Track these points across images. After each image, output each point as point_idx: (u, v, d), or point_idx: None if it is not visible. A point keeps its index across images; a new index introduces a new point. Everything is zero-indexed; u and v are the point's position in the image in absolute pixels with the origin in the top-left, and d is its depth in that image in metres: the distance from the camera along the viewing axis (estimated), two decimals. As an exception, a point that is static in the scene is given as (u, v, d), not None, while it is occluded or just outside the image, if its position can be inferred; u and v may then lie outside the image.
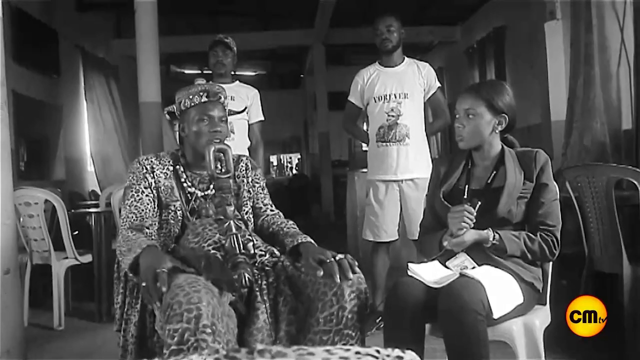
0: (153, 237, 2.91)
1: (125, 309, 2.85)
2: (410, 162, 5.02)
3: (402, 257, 5.91)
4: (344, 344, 2.53)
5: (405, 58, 5.25)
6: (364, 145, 5.79)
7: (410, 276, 2.82)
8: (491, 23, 11.42)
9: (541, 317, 2.92)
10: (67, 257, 5.74)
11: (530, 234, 2.91)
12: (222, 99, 3.09)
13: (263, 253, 2.87)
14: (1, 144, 3.99)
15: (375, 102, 5.13)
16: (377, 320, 4.35)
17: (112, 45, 13.29)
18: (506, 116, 3.04)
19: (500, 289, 2.70)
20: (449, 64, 14.47)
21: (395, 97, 5.07)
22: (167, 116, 3.26)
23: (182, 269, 2.57)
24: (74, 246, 5.76)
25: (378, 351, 1.32)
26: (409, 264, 2.89)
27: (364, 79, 5.24)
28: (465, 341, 2.53)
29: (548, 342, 2.89)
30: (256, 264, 2.80)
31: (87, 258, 5.90)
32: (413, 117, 5.08)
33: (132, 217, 2.93)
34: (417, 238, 3.80)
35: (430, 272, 2.85)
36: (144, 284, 2.53)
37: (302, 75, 21.03)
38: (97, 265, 5.90)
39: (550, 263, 3.05)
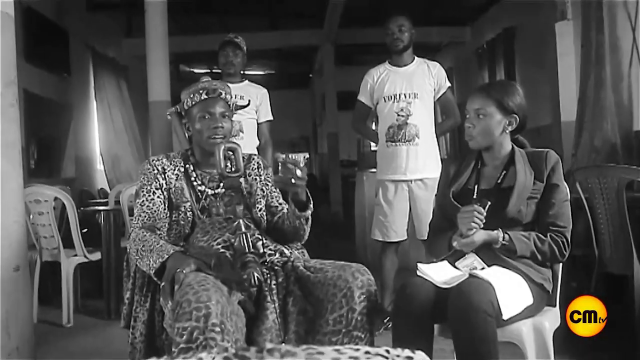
0: (163, 238, 2.90)
1: (134, 307, 2.85)
2: (420, 162, 5.01)
3: (410, 257, 5.87)
4: None
5: (415, 58, 5.22)
6: (373, 145, 5.78)
7: (420, 276, 2.81)
8: (501, 23, 11.43)
9: (551, 318, 2.91)
10: (76, 255, 5.73)
11: (541, 235, 2.88)
12: (224, 94, 3.09)
13: (273, 252, 2.86)
14: (12, 142, 3.97)
15: (385, 101, 5.11)
16: (386, 320, 4.35)
17: (122, 45, 13.32)
18: (517, 116, 3.02)
19: (510, 290, 2.68)
20: (459, 64, 14.46)
21: (405, 97, 5.05)
22: (169, 117, 3.25)
23: (205, 271, 2.58)
24: (83, 244, 5.74)
25: (388, 351, 1.32)
26: (418, 264, 2.88)
27: (373, 78, 5.21)
28: (475, 342, 2.51)
29: (557, 344, 2.87)
30: (265, 264, 2.78)
31: (96, 256, 5.88)
32: (423, 117, 5.06)
33: (145, 216, 2.94)
34: (426, 238, 3.78)
35: (439, 273, 2.83)
36: (162, 284, 2.61)
37: (310, 75, 21.02)
38: (106, 262, 5.88)
39: (560, 264, 3.03)
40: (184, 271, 2.53)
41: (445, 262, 2.96)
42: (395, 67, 5.18)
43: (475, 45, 13.02)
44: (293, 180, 2.68)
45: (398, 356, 1.31)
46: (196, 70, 18.63)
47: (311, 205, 2.90)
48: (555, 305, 3.01)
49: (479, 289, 2.59)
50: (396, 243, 5.10)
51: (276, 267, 2.81)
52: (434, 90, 5.14)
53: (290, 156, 2.74)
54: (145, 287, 2.85)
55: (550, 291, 2.96)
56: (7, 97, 3.94)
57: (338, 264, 2.74)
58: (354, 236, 8.38)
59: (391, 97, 5.10)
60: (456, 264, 2.93)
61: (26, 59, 8.68)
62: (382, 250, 5.16)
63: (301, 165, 2.71)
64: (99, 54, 11.97)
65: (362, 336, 2.57)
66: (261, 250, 2.76)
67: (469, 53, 13.38)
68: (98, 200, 9.25)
